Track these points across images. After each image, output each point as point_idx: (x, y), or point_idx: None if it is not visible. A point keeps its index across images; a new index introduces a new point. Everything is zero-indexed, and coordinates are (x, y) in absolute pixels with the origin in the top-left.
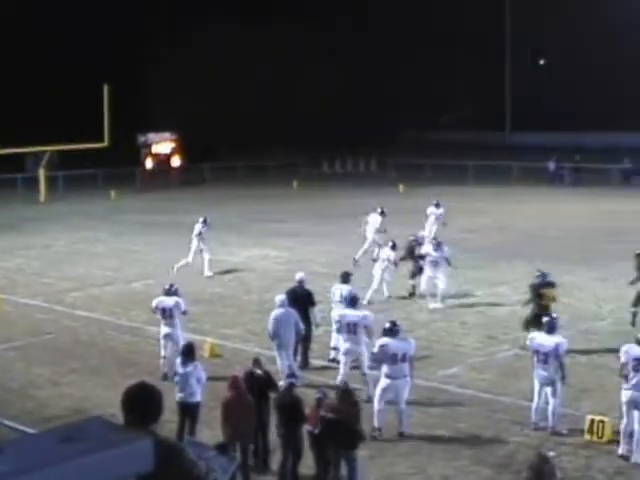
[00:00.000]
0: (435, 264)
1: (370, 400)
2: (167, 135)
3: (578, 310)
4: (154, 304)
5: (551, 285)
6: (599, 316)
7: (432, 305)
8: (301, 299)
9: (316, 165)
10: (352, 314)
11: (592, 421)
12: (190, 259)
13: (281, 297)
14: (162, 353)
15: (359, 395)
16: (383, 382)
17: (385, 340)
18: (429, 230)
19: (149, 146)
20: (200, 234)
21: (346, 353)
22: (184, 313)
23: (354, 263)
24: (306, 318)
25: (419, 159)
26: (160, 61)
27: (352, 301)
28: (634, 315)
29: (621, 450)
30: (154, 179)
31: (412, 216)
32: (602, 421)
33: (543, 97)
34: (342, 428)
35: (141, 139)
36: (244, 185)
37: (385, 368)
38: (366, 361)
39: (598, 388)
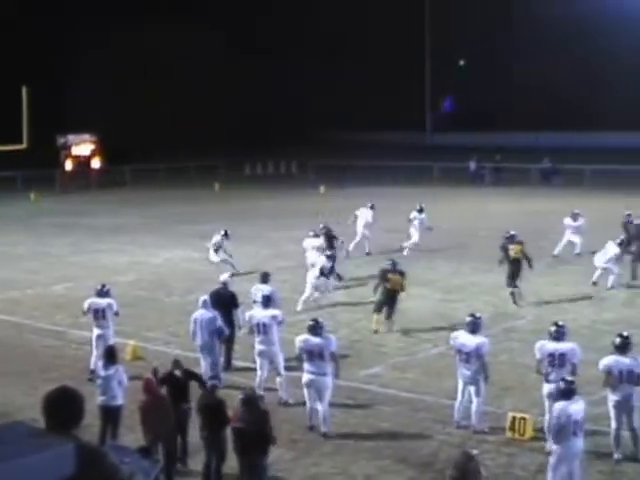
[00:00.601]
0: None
1: (282, 403)
2: (87, 137)
3: (499, 309)
4: (86, 305)
5: (399, 273)
6: (519, 314)
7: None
8: (225, 301)
9: (238, 167)
10: (261, 314)
11: (514, 419)
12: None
13: (203, 298)
14: (94, 353)
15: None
16: (304, 378)
17: (304, 336)
18: (414, 235)
19: (69, 148)
20: (219, 245)
21: (259, 354)
22: (116, 314)
23: (346, 255)
24: (230, 320)
25: (340, 160)
26: (79, 62)
27: (264, 301)
28: (513, 294)
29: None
30: (74, 181)
31: (334, 216)
32: (523, 418)
33: (463, 98)
34: (249, 437)
35: (60, 140)
36: (165, 187)
37: (305, 364)
38: (281, 362)
39: (519, 386)
